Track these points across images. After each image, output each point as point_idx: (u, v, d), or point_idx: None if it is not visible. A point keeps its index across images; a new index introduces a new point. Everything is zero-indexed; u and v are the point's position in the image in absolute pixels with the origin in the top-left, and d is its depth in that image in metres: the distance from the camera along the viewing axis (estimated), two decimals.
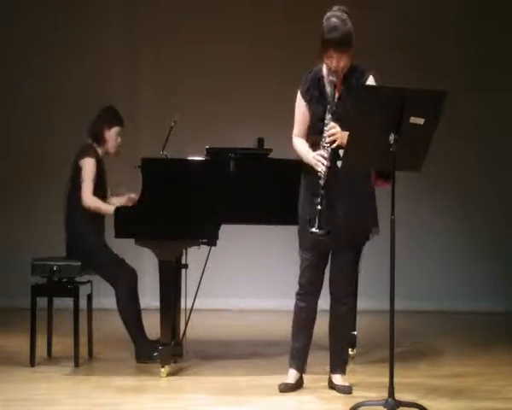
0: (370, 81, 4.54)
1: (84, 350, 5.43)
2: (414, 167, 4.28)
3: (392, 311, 4.16)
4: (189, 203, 5.03)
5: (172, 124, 5.48)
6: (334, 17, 4.47)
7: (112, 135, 5.58)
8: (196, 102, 7.90)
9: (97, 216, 5.47)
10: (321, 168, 4.41)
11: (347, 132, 4.24)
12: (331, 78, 4.49)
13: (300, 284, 4.70)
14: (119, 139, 5.62)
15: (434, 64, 7.94)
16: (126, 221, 5.05)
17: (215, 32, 8.03)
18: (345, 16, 4.48)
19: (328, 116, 4.45)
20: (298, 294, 4.73)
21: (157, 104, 7.94)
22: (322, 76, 4.58)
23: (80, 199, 5.40)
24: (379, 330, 5.91)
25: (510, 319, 7.64)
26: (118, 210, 5.09)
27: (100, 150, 5.58)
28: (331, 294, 4.72)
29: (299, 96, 4.65)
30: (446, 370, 5.34)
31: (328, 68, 4.50)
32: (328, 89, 4.51)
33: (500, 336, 6.76)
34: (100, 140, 5.57)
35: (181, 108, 5.92)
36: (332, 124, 4.43)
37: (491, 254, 8.15)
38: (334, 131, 4.41)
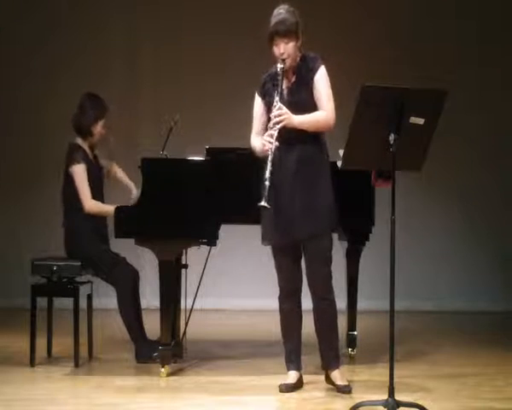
0: (321, 72, 4.60)
1: (84, 350, 5.43)
2: (414, 167, 4.28)
3: (392, 311, 4.15)
4: (189, 203, 5.03)
5: (172, 124, 5.48)
6: (282, 8, 4.62)
7: (98, 129, 5.54)
8: (196, 101, 7.89)
9: (97, 217, 5.47)
10: (268, 146, 4.43)
11: (299, 116, 4.46)
12: (279, 64, 4.55)
13: (280, 286, 4.73)
14: (103, 130, 5.56)
15: (435, 63, 7.93)
16: (126, 221, 5.05)
17: (215, 31, 8.03)
18: (292, 9, 4.62)
19: (276, 98, 4.50)
20: (279, 297, 4.75)
21: (157, 104, 7.93)
22: (277, 71, 4.63)
23: (77, 200, 5.40)
24: (379, 330, 5.90)
25: (510, 319, 7.64)
26: (118, 210, 5.09)
27: (86, 145, 5.54)
28: (311, 292, 4.68)
29: (255, 95, 4.73)
30: (446, 370, 5.34)
31: (276, 57, 4.58)
32: (278, 76, 4.56)
33: (500, 336, 6.75)
34: (85, 133, 5.52)
35: (181, 108, 5.91)
36: (279, 105, 4.48)
37: (492, 254, 8.14)
38: (282, 112, 4.47)
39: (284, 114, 4.48)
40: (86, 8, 8.10)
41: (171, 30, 8.09)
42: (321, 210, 4.58)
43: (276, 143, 4.43)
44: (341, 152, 4.38)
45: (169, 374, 5.05)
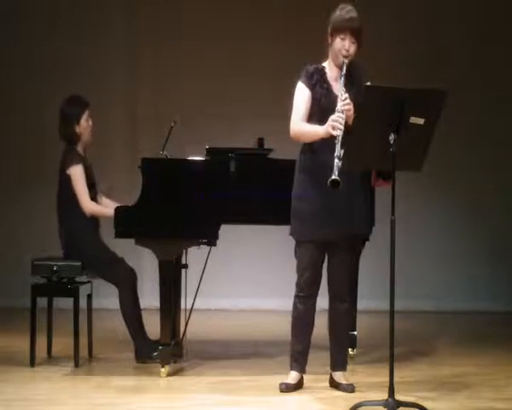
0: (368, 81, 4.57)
1: (84, 350, 5.43)
2: (414, 167, 4.27)
3: (392, 311, 4.16)
4: (189, 203, 5.03)
5: (172, 124, 5.48)
6: (350, 6, 4.58)
7: (83, 125, 5.49)
8: (196, 101, 7.89)
9: (92, 217, 5.47)
10: (337, 132, 4.32)
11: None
12: (342, 59, 4.49)
13: (299, 286, 4.69)
14: (90, 122, 5.51)
15: (435, 63, 7.93)
16: (126, 221, 5.05)
17: (215, 31, 8.03)
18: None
19: (343, 89, 4.41)
20: (297, 296, 4.72)
21: (157, 104, 7.93)
22: (324, 67, 4.62)
23: (74, 202, 5.39)
24: (379, 330, 5.90)
25: (510, 319, 7.64)
26: (118, 210, 5.09)
27: (80, 148, 5.52)
28: (330, 292, 4.71)
29: (300, 84, 4.63)
30: (446, 370, 5.34)
31: (336, 55, 4.53)
32: (342, 71, 4.49)
33: (500, 336, 6.75)
34: (75, 139, 5.47)
35: (181, 108, 5.91)
36: (346, 95, 4.40)
37: (491, 254, 8.15)
38: (350, 103, 4.38)
39: (351, 106, 4.38)
40: (86, 8, 8.10)
41: (171, 31, 8.09)
42: (364, 212, 4.64)
43: (343, 128, 4.31)
44: (341, 152, 4.37)
45: (169, 374, 5.05)
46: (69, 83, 7.90)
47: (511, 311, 7.89)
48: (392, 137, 4.10)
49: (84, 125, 5.49)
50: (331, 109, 4.44)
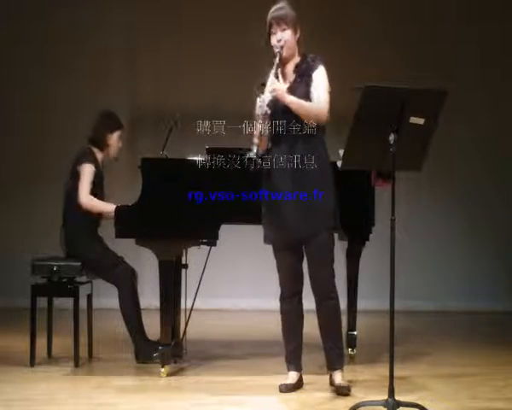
0: (320, 69, 4.62)
1: (84, 350, 5.43)
2: (414, 167, 4.27)
3: (392, 311, 4.15)
4: (189, 203, 5.03)
5: (172, 124, 5.48)
6: (280, 3, 4.69)
7: (114, 139, 5.60)
8: (196, 101, 7.89)
9: (95, 218, 5.47)
10: (259, 104, 4.48)
11: (292, 96, 4.49)
12: (278, 51, 4.58)
13: (282, 287, 4.72)
14: (120, 143, 5.63)
15: (435, 64, 7.93)
16: (126, 221, 5.06)
17: (215, 31, 8.03)
18: (290, 3, 4.68)
19: (272, 76, 4.52)
20: (281, 297, 4.74)
21: (157, 104, 7.93)
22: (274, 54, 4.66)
23: (77, 201, 5.40)
24: (379, 330, 5.90)
25: (510, 319, 7.64)
26: (118, 210, 5.09)
27: (100, 155, 5.58)
28: (315, 293, 4.65)
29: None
30: (446, 370, 5.34)
31: (274, 47, 4.62)
32: (274, 58, 4.59)
33: (500, 336, 6.76)
34: (102, 146, 5.57)
35: (181, 108, 5.91)
36: (273, 78, 4.52)
37: (491, 254, 8.16)
38: (277, 85, 4.52)
39: (279, 87, 4.52)
40: (85, 7, 8.10)
41: (171, 29, 8.09)
42: (321, 209, 4.57)
43: (268, 109, 4.47)
44: (341, 152, 4.38)
45: (169, 374, 5.05)
46: (69, 83, 7.93)
47: (511, 311, 7.90)
48: (392, 137, 4.09)
49: (115, 139, 5.59)
50: (278, 106, 4.56)
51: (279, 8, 4.65)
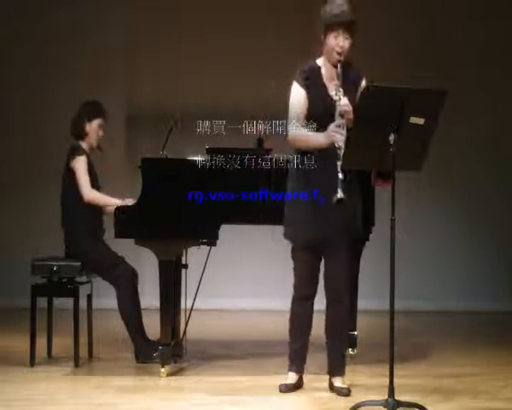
0: (364, 82, 4.56)
1: (84, 350, 5.43)
2: (414, 167, 4.27)
3: (392, 311, 4.16)
4: (189, 203, 5.03)
5: (172, 124, 5.48)
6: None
7: (93, 128, 5.56)
8: (196, 101, 7.88)
9: (95, 216, 5.47)
10: (340, 140, 4.29)
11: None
12: (337, 56, 4.45)
13: (296, 289, 4.69)
14: (100, 132, 5.60)
15: (435, 64, 7.93)
16: (126, 221, 5.05)
17: (215, 31, 8.03)
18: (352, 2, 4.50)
19: (341, 90, 4.36)
20: (294, 298, 4.72)
21: (157, 104, 7.93)
22: (320, 67, 4.58)
23: (76, 200, 5.40)
24: (379, 330, 5.89)
25: (510, 319, 7.64)
26: (118, 210, 5.08)
27: (86, 146, 5.56)
28: (327, 295, 4.67)
29: (295, 85, 4.56)
30: (446, 370, 5.34)
31: (330, 53, 4.48)
32: (338, 70, 4.45)
33: (500, 336, 6.75)
34: (81, 135, 5.55)
35: (181, 108, 5.91)
36: (346, 99, 4.36)
37: (491, 254, 8.15)
38: (348, 105, 4.34)
39: (350, 109, 4.33)
40: (85, 7, 8.09)
41: (171, 29, 8.09)
42: (361, 215, 4.63)
43: (345, 134, 4.28)
44: (341, 152, 4.37)
45: (169, 374, 5.05)
46: (69, 83, 7.93)
47: (511, 311, 7.89)
48: (392, 137, 4.09)
49: (94, 128, 5.56)
50: (328, 113, 4.41)
51: (346, 12, 4.43)
